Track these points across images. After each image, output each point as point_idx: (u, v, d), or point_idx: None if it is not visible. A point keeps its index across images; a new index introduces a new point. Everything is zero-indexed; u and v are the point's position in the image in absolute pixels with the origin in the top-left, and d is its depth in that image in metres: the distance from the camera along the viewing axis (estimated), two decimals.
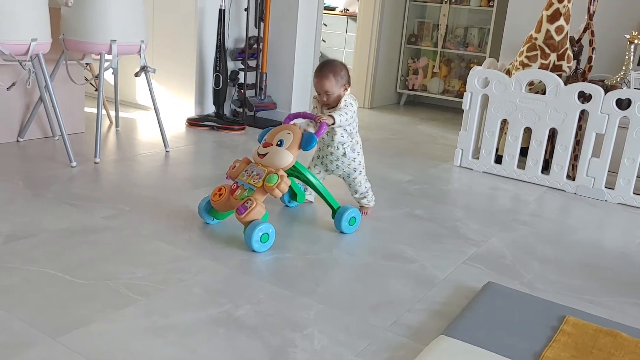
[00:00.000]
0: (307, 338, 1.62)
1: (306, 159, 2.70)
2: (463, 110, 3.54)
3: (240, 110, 4.29)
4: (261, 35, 4.24)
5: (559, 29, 3.27)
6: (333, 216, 2.40)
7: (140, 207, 2.49)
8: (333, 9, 7.92)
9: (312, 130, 2.39)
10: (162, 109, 4.00)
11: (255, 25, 4.23)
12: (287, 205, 2.66)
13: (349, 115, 2.38)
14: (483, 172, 3.53)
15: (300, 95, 4.50)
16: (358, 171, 2.55)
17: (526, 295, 1.94)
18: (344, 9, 7.91)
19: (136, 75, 3.32)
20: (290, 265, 2.07)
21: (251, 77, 4.37)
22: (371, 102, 5.55)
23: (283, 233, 2.35)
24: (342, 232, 2.38)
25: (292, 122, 2.39)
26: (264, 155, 2.24)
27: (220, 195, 2.24)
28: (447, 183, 3.28)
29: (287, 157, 2.21)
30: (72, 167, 2.95)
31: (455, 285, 2.02)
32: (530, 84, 3.38)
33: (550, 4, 3.26)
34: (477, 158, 3.56)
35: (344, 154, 2.49)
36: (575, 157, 3.29)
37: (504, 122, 3.49)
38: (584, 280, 2.15)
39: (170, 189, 2.77)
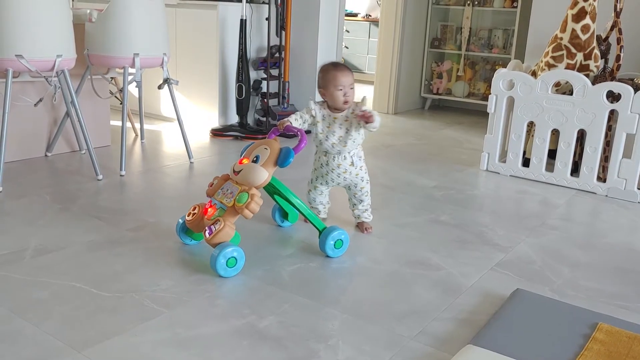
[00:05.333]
0: (332, 349, 1.60)
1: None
2: (488, 114, 3.49)
3: (264, 119, 4.30)
4: (283, 43, 4.25)
5: (585, 28, 3.21)
6: (319, 237, 2.21)
7: (165, 219, 2.50)
8: (355, 15, 7.92)
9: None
10: (186, 120, 4.04)
11: (277, 34, 4.25)
12: (280, 226, 2.48)
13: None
14: (510, 175, 3.46)
15: None
16: (365, 180, 2.42)
17: (556, 302, 1.89)
18: (366, 15, 7.90)
19: (159, 87, 3.36)
20: (315, 275, 2.05)
21: (274, 86, 4.39)
22: (395, 107, 5.51)
23: (306, 241, 2.34)
24: (328, 256, 2.19)
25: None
26: (240, 172, 2.09)
27: (193, 214, 2.13)
28: (473, 188, 3.23)
29: (261, 174, 2.03)
30: (98, 180, 2.98)
31: (483, 293, 1.98)
32: (557, 84, 3.31)
33: (575, 3, 3.20)
34: (504, 161, 3.50)
35: (352, 163, 2.35)
36: (605, 159, 3.21)
37: (531, 125, 3.42)
38: (616, 286, 2.09)
39: (194, 199, 2.77)
